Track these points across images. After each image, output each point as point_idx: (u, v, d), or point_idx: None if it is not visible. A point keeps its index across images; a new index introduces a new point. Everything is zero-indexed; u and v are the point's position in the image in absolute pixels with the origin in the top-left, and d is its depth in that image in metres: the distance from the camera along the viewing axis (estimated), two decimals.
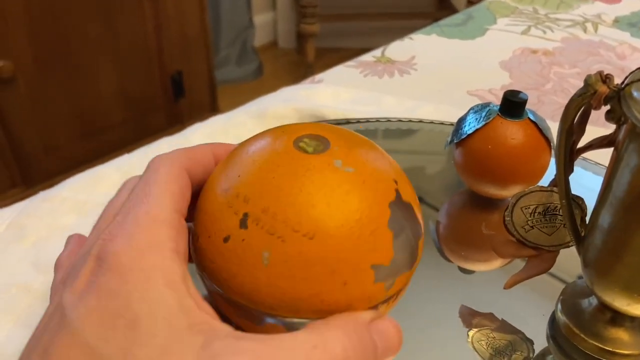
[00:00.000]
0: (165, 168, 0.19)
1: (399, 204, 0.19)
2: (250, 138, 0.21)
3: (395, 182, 0.20)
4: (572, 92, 0.31)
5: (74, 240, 0.22)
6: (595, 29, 0.71)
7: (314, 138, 0.20)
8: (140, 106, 1.31)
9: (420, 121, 0.48)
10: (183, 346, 0.15)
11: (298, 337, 0.16)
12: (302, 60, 1.92)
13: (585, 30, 0.71)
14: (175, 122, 1.37)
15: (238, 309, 0.19)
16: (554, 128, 0.34)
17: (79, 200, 0.41)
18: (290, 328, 0.18)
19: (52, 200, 0.40)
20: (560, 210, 0.29)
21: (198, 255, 0.19)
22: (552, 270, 0.30)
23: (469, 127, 0.36)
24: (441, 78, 0.59)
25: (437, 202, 0.41)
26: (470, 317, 0.32)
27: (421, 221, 0.21)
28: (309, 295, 0.17)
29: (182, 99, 1.38)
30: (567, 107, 0.25)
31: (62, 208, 0.40)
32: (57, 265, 0.20)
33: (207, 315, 0.17)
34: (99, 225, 0.20)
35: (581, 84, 0.24)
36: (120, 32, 1.19)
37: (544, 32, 0.70)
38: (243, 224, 0.18)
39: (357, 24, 1.95)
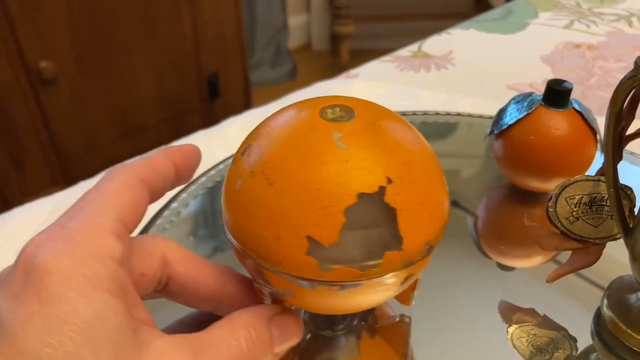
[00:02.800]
0: (120, 178, 0.19)
1: (374, 201, 0.18)
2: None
3: (389, 180, 0.18)
4: None
5: None
6: None
7: (343, 109, 0.20)
8: (177, 107, 1.33)
9: (459, 114, 0.47)
10: (131, 348, 0.16)
11: (213, 334, 0.19)
12: (336, 62, 1.92)
13: (630, 24, 0.69)
14: (211, 123, 1.38)
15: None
16: (599, 123, 0.32)
17: None
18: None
19: None
20: (608, 201, 0.28)
21: None
22: (597, 264, 0.29)
23: (510, 118, 0.35)
24: (480, 72, 0.58)
25: (472, 206, 0.39)
26: (510, 312, 0.31)
27: (406, 240, 0.18)
28: (251, 233, 0.19)
29: (217, 100, 1.39)
30: (617, 91, 0.24)
31: None
32: None
33: (148, 320, 0.18)
34: None
35: None
36: (158, 34, 1.21)
37: (588, 26, 0.68)
38: (242, 153, 0.20)
39: (392, 25, 1.94)
